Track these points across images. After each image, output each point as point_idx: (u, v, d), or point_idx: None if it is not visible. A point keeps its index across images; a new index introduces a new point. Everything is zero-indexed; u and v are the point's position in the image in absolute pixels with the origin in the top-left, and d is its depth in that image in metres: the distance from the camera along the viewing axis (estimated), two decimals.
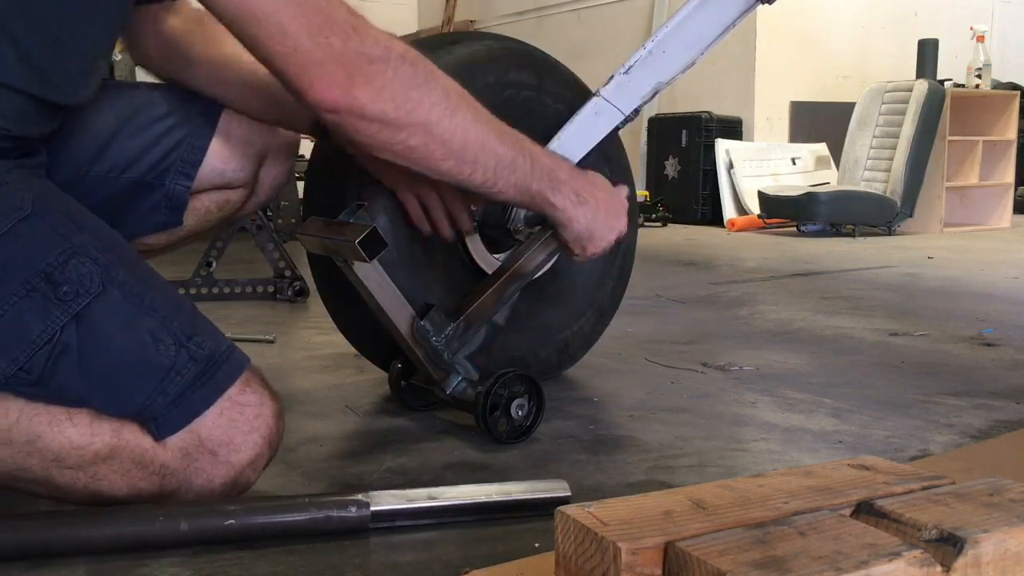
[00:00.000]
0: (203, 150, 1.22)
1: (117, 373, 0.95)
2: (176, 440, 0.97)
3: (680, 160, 5.56)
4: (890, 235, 4.71)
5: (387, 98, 1.01)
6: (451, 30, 7.46)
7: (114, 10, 1.02)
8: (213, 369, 0.98)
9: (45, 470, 0.94)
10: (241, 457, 1.00)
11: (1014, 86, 5.38)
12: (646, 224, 5.20)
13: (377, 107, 1.00)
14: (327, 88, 0.97)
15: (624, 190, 1.37)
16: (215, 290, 2.64)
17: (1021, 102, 5.15)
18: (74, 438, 0.94)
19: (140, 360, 0.95)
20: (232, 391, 0.99)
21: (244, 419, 1.00)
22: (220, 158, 1.23)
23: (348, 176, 1.41)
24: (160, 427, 0.96)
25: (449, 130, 1.07)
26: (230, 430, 0.99)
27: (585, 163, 1.54)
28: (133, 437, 0.96)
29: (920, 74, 4.95)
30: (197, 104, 1.22)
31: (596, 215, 1.28)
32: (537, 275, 1.39)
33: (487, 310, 1.34)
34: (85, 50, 1.00)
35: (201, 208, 1.26)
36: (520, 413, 1.29)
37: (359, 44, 0.99)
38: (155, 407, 0.96)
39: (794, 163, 5.43)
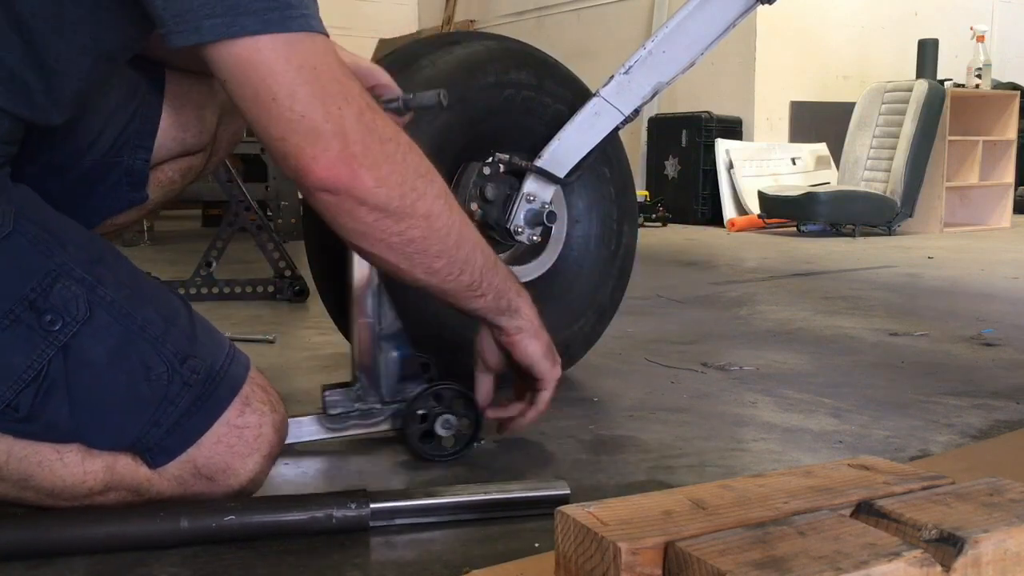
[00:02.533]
0: (156, 119, 1.17)
1: (108, 408, 0.92)
2: (172, 469, 0.95)
3: (680, 160, 5.56)
4: (890, 235, 4.71)
5: (394, 184, 0.92)
6: (451, 30, 7.46)
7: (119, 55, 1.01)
8: (208, 393, 0.95)
9: (41, 502, 0.93)
10: (240, 480, 0.97)
11: (1014, 86, 5.38)
12: (646, 224, 5.20)
13: (383, 192, 0.91)
14: (332, 164, 0.87)
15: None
16: (215, 290, 2.64)
17: (1021, 102, 5.15)
18: (66, 478, 0.92)
19: (132, 393, 0.92)
20: (230, 414, 0.96)
21: (243, 443, 0.96)
22: (177, 125, 1.19)
23: None
24: (155, 457, 0.94)
25: (447, 225, 0.98)
26: (228, 456, 0.96)
27: (585, 163, 1.54)
28: (127, 471, 0.94)
29: (920, 74, 4.96)
30: (141, 73, 1.17)
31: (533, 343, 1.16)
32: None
33: (366, 346, 1.23)
34: (82, 88, 0.98)
35: (165, 179, 1.23)
36: (446, 430, 1.20)
37: (372, 120, 0.90)
38: (149, 438, 0.93)
39: (794, 163, 5.43)
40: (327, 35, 0.91)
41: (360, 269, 1.22)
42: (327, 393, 1.23)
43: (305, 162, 0.87)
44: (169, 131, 1.19)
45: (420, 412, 1.20)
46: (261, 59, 0.85)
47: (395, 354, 1.24)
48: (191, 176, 1.27)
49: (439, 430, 1.20)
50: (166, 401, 0.93)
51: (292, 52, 0.86)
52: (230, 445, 0.96)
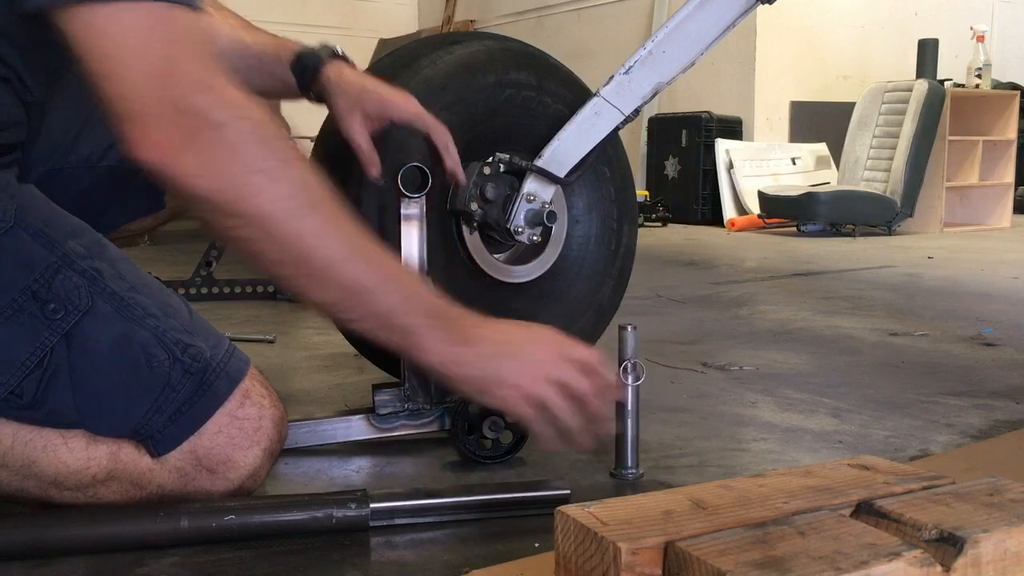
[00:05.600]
0: None
1: (111, 394, 0.93)
2: (173, 460, 0.95)
3: (680, 160, 5.56)
4: (890, 235, 4.71)
5: (216, 174, 0.83)
6: (451, 30, 7.46)
7: None
8: (209, 382, 0.95)
9: (43, 491, 0.94)
10: (240, 473, 0.98)
11: (1014, 86, 5.38)
12: (646, 224, 5.20)
13: (203, 183, 0.82)
14: (154, 148, 0.81)
15: (552, 341, 1.03)
16: (215, 290, 2.64)
17: (1021, 102, 5.15)
18: (70, 463, 0.92)
19: (133, 379, 0.93)
20: (230, 405, 0.97)
21: (243, 434, 0.97)
22: None
23: (348, 176, 1.40)
24: (157, 444, 0.95)
25: (292, 233, 0.86)
26: (228, 448, 0.96)
27: (586, 163, 1.54)
28: (130, 459, 0.94)
29: (920, 74, 4.95)
30: None
31: (490, 362, 0.97)
32: None
33: None
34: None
35: None
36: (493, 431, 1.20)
37: (203, 102, 0.82)
38: (152, 425, 0.94)
39: (794, 163, 5.43)
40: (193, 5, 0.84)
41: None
42: (377, 393, 1.23)
43: (131, 139, 0.82)
44: None
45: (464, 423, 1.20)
46: (117, 31, 0.80)
47: None
48: None
49: (486, 431, 1.20)
50: (168, 388, 0.94)
51: (155, 26, 0.82)
52: (230, 436, 0.97)
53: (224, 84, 0.84)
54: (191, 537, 0.91)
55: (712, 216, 5.38)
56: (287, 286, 0.92)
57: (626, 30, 6.23)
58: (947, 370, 1.74)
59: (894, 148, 4.75)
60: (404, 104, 1.23)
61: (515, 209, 1.49)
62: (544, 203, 1.51)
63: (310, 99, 1.26)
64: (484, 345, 0.98)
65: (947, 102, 4.77)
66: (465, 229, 1.51)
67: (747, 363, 1.78)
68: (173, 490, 0.96)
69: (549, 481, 1.06)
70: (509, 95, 1.53)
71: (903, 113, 4.75)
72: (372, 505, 0.96)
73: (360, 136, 1.21)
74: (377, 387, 1.25)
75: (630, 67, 1.49)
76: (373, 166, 1.25)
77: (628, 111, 1.51)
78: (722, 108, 5.56)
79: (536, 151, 1.51)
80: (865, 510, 0.66)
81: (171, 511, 0.92)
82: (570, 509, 0.66)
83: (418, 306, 0.94)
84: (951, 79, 5.03)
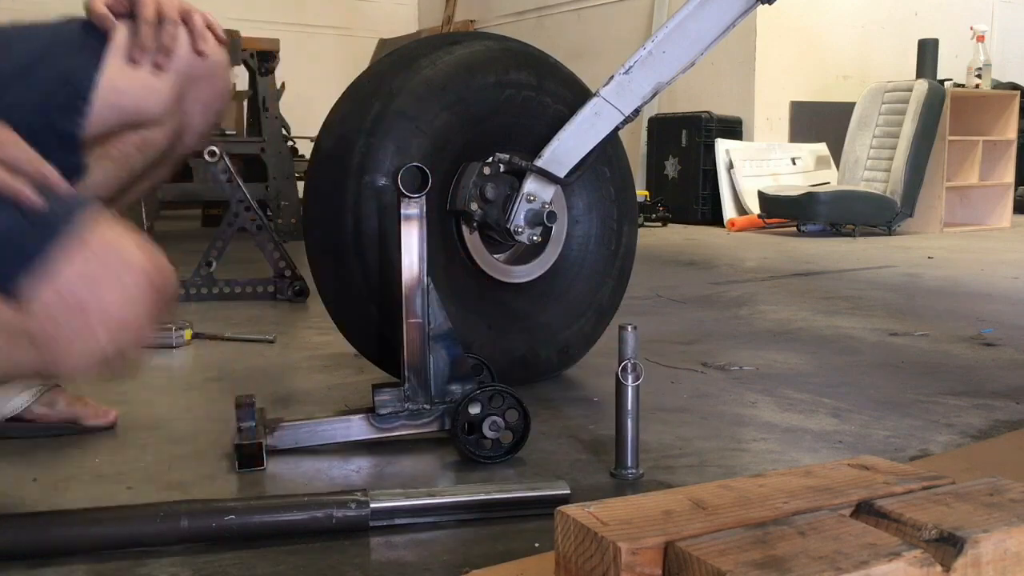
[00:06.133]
0: (90, 82, 1.08)
1: None
2: (40, 304, 0.85)
3: (680, 160, 5.56)
4: (890, 235, 4.71)
5: None
6: (451, 30, 7.46)
7: None
8: (54, 215, 0.87)
9: None
10: (118, 312, 0.86)
11: (1014, 86, 5.38)
12: (646, 224, 5.20)
13: None
14: None
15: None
16: (215, 290, 2.64)
17: (1021, 102, 5.15)
18: None
19: None
20: (82, 234, 0.86)
21: (109, 270, 0.87)
22: (113, 89, 1.09)
23: (347, 176, 1.41)
24: (10, 289, 0.85)
25: None
26: (95, 284, 0.86)
27: (586, 163, 1.54)
28: None
29: (920, 74, 4.95)
30: (80, 34, 1.10)
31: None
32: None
33: (416, 346, 1.23)
34: None
35: (119, 154, 1.13)
36: (494, 431, 1.21)
37: None
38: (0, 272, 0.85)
39: (794, 163, 5.43)
40: None
41: (410, 269, 1.22)
42: (377, 393, 1.23)
43: None
44: (104, 94, 1.09)
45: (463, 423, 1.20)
46: None
47: (444, 354, 1.25)
48: (152, 151, 1.17)
49: (486, 431, 1.20)
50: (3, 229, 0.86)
51: None
52: (94, 274, 0.86)
53: None
54: (191, 537, 0.91)
55: (712, 216, 5.38)
56: None
57: (626, 30, 6.23)
58: (947, 370, 1.74)
59: (894, 148, 4.75)
60: None
61: (515, 209, 1.49)
62: (544, 203, 1.51)
63: None
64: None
65: (947, 102, 4.77)
66: (465, 229, 1.51)
67: (747, 363, 1.78)
68: (51, 336, 0.86)
69: (549, 481, 1.06)
70: (509, 95, 1.53)
71: (903, 113, 4.76)
72: (372, 505, 0.96)
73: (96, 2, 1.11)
74: (377, 387, 1.25)
75: (630, 67, 1.50)
76: (99, 18, 1.12)
77: (628, 111, 1.51)
78: (722, 108, 5.56)
79: (536, 151, 1.52)
80: (865, 510, 0.66)
81: (171, 511, 0.92)
82: (570, 509, 0.66)
83: None
84: (951, 79, 5.03)
